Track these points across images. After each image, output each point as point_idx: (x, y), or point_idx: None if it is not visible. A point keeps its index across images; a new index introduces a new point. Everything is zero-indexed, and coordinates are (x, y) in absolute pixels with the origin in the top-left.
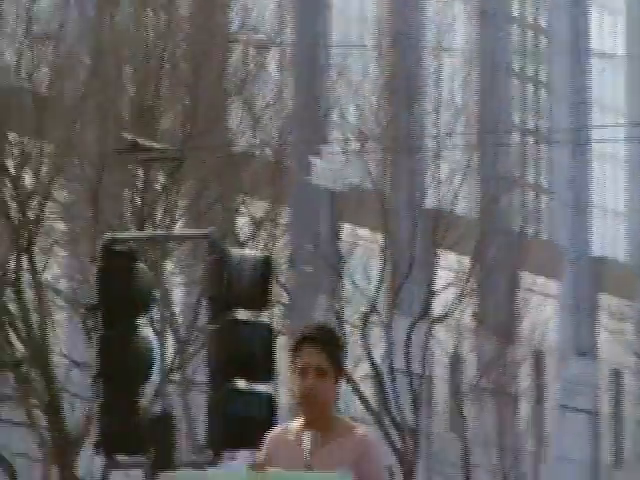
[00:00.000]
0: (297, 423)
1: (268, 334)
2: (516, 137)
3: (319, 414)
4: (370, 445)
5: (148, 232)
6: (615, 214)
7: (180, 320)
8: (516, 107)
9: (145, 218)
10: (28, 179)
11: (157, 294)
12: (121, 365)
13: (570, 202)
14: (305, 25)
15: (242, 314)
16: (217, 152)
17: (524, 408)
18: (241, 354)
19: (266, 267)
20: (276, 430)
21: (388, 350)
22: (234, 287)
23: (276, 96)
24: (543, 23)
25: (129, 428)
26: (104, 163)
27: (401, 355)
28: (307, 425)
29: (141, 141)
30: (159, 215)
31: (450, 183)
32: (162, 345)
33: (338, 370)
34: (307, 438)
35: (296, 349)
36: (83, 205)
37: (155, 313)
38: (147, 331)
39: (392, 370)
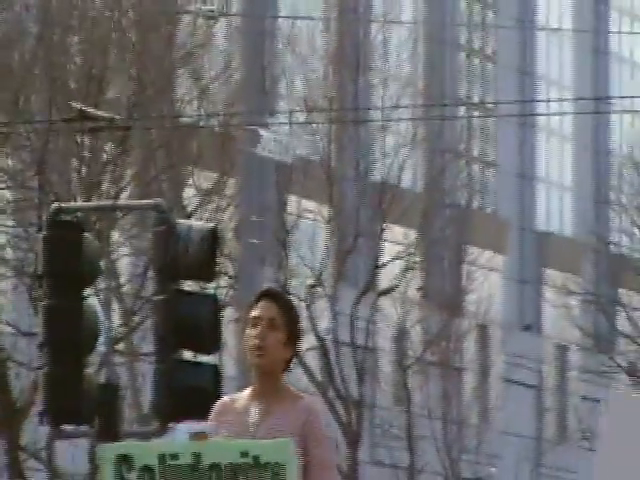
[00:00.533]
0: (245, 393)
1: (214, 305)
2: (462, 110)
3: (267, 371)
4: (314, 413)
5: (95, 202)
6: (561, 188)
7: (126, 290)
8: (462, 80)
9: (92, 188)
10: None
11: (103, 264)
12: (67, 335)
13: (516, 176)
14: None
15: (188, 285)
16: (164, 122)
17: (469, 381)
18: (187, 325)
19: (212, 238)
20: (224, 400)
21: (333, 322)
22: (180, 258)
23: (223, 67)
24: None
25: (75, 398)
26: (51, 132)
27: (346, 327)
28: (255, 395)
29: (88, 110)
30: (106, 185)
31: (396, 155)
32: (108, 315)
33: (291, 329)
34: (253, 409)
35: (251, 306)
36: (29, 174)
37: (101, 283)
38: (93, 301)
39: (337, 342)
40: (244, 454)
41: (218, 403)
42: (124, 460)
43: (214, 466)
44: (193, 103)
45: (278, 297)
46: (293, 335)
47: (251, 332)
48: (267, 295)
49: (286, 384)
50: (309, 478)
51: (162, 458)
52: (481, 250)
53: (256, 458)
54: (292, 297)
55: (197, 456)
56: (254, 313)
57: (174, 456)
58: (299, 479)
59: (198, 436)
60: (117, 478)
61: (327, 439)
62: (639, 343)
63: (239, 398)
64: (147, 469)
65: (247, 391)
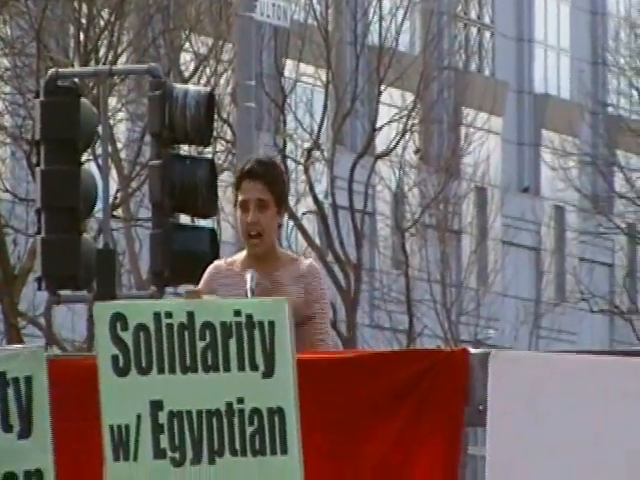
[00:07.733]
0: (241, 256)
1: (210, 169)
2: None
3: (265, 249)
4: (315, 273)
5: (91, 67)
6: (558, 50)
7: (123, 155)
8: None
9: (89, 54)
10: None
11: (100, 130)
12: (64, 200)
13: (513, 38)
14: None
15: (185, 150)
16: None
17: (467, 244)
18: (183, 189)
19: (209, 102)
20: (218, 263)
21: (331, 186)
22: (177, 122)
23: None
24: None
25: (72, 263)
26: None
27: (344, 191)
28: (254, 259)
29: None
30: (103, 51)
31: (393, 19)
32: (105, 181)
33: (279, 200)
34: (254, 272)
35: (237, 186)
36: (27, 41)
37: (98, 149)
38: (90, 166)
39: (335, 206)
40: (237, 313)
41: (212, 266)
42: (119, 318)
43: (207, 325)
44: None
45: (259, 173)
46: (281, 200)
47: (243, 217)
48: (248, 174)
49: (279, 247)
50: (306, 329)
51: (157, 316)
52: (479, 112)
53: (249, 317)
54: (289, 161)
55: (191, 315)
56: (241, 197)
57: (168, 314)
58: (293, 338)
59: (192, 294)
60: (112, 336)
61: (326, 300)
62: (637, 204)
63: (235, 261)
64: (142, 327)
65: (243, 255)
